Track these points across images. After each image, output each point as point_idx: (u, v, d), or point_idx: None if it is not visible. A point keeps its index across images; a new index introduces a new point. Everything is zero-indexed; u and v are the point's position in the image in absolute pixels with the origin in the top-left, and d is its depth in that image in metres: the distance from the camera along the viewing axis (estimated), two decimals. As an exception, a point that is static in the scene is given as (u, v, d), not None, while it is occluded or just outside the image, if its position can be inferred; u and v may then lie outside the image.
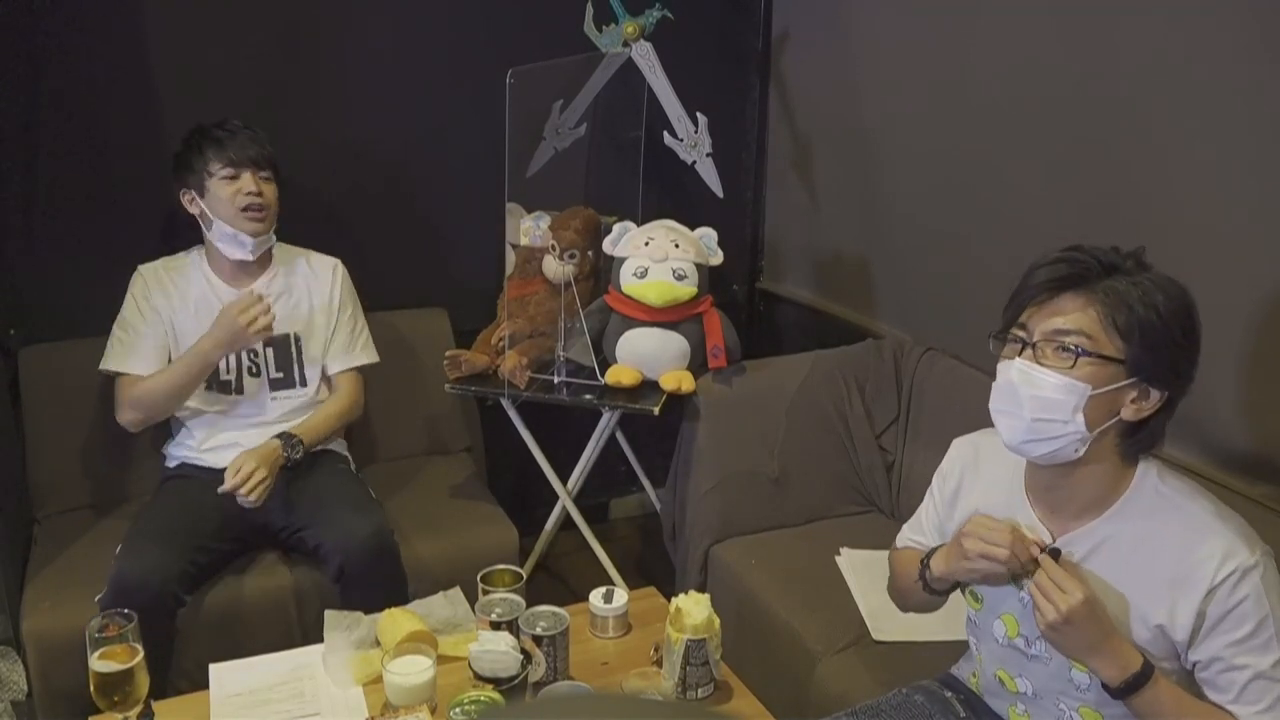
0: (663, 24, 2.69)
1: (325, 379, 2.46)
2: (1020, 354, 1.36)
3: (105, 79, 2.51)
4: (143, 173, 2.56)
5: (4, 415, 2.42)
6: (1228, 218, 1.90)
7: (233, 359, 2.33)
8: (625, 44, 2.70)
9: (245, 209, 2.26)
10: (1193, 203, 1.95)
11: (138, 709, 1.61)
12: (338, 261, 2.49)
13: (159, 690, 1.76)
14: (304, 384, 2.41)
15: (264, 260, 2.38)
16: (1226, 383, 1.94)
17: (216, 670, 1.78)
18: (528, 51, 2.54)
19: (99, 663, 1.57)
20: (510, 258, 2.71)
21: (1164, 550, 1.35)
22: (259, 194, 2.27)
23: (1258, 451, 1.91)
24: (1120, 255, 1.36)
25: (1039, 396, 1.33)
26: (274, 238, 2.38)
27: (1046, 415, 1.33)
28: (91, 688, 1.58)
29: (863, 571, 2.25)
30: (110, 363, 2.30)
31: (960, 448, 1.62)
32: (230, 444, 2.31)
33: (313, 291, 2.43)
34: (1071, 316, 1.33)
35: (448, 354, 2.58)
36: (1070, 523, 1.43)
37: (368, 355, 2.50)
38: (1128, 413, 1.34)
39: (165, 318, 2.33)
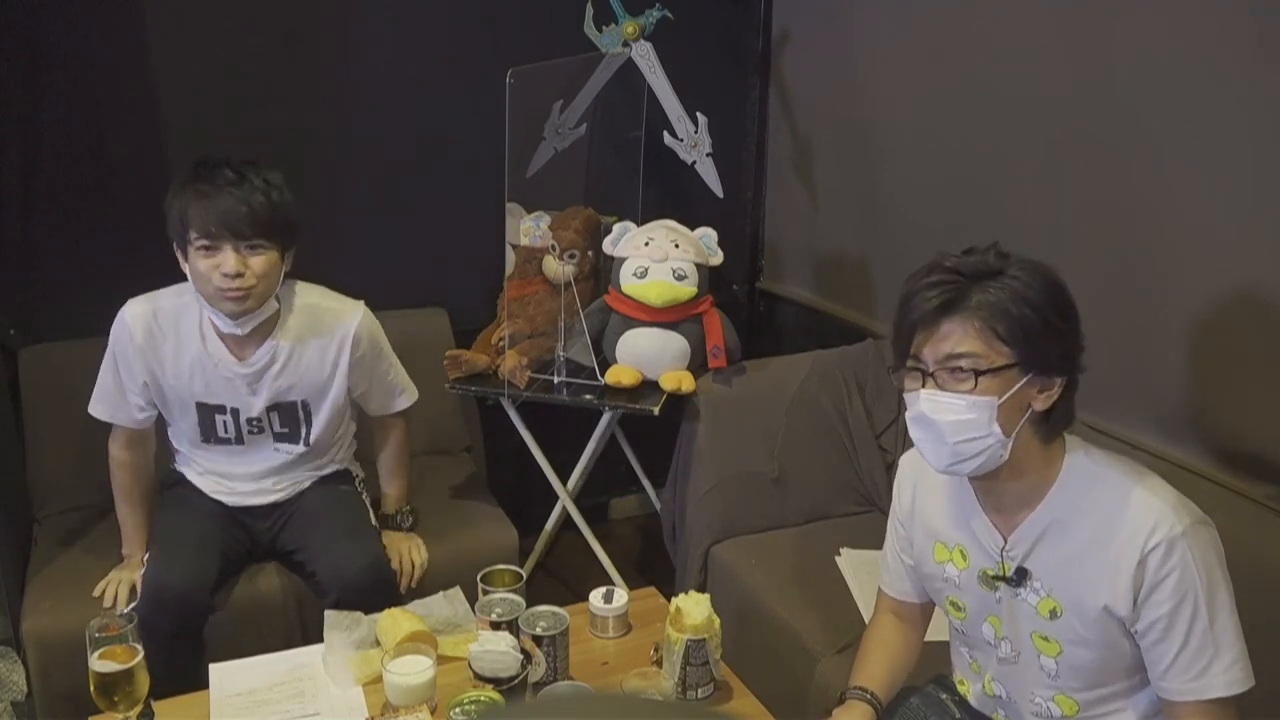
0: (663, 24, 2.69)
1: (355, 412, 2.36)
2: (923, 385, 1.39)
3: (105, 78, 2.51)
4: (143, 172, 2.56)
5: (4, 415, 2.42)
6: (1227, 216, 1.90)
7: (231, 424, 2.14)
8: (625, 44, 2.70)
9: (222, 290, 1.94)
10: (1193, 202, 1.95)
11: (138, 709, 1.61)
12: (358, 317, 2.16)
13: (184, 690, 1.75)
14: (308, 442, 2.21)
15: (268, 325, 2.08)
16: (1226, 383, 1.94)
17: (216, 670, 1.77)
18: (528, 51, 2.54)
19: (99, 663, 1.58)
20: (510, 258, 2.72)
21: (1099, 528, 1.38)
22: (238, 274, 1.93)
23: (1258, 451, 1.90)
24: (980, 254, 1.39)
25: (953, 421, 1.36)
26: (277, 302, 2.07)
27: (965, 435, 1.36)
28: (91, 688, 1.58)
29: (863, 571, 2.25)
30: (91, 403, 2.18)
31: (907, 463, 1.65)
32: (228, 491, 2.22)
33: (326, 359, 2.15)
34: (957, 339, 1.36)
35: (448, 354, 2.58)
36: (1017, 517, 1.45)
37: (408, 398, 2.34)
38: (1038, 403, 1.38)
39: (146, 372, 2.09)
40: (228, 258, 1.93)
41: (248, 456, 2.21)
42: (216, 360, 2.08)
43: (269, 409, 2.15)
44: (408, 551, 2.30)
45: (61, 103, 2.49)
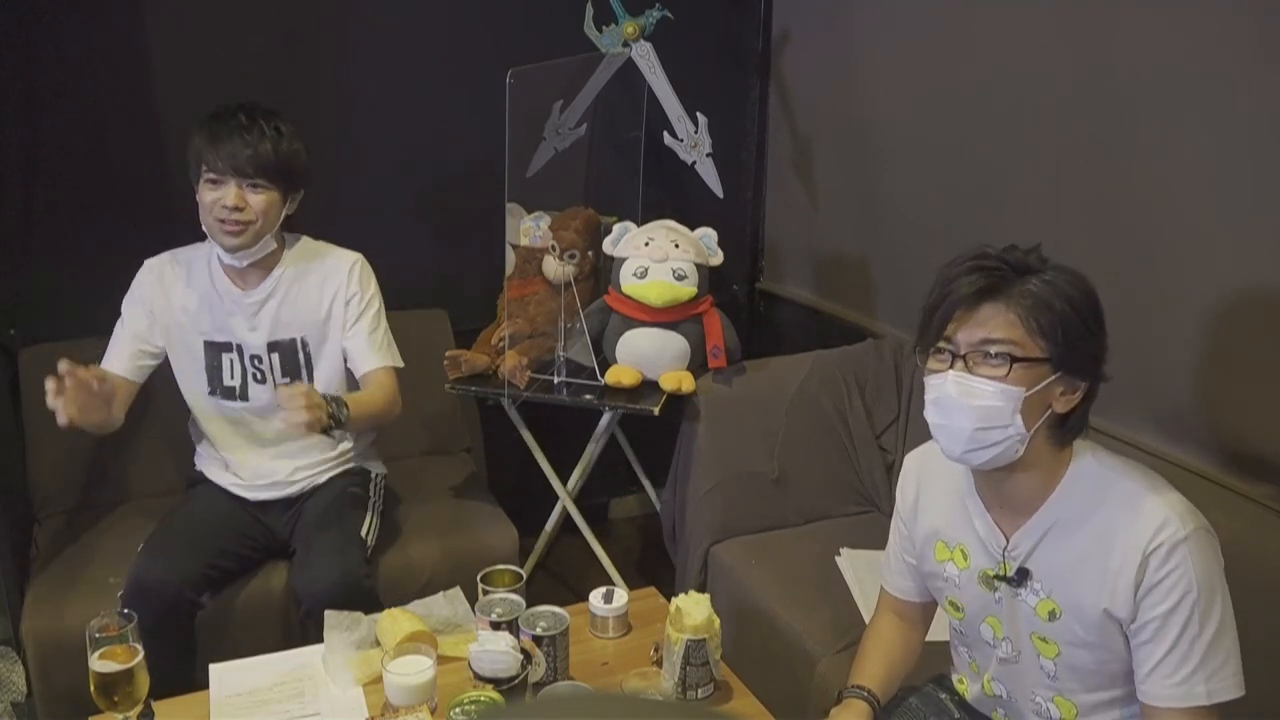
0: (663, 24, 2.70)
1: (351, 378, 2.33)
2: (951, 367, 1.39)
3: (105, 79, 2.52)
4: (143, 172, 2.57)
5: (4, 415, 2.42)
6: (1227, 216, 1.90)
7: (237, 365, 2.23)
8: (625, 44, 2.70)
9: (221, 221, 2.10)
10: (1193, 202, 1.95)
11: (138, 709, 1.61)
12: (357, 259, 2.30)
13: (181, 690, 1.75)
14: None
15: (271, 260, 2.22)
16: (1227, 384, 1.94)
17: (216, 670, 1.78)
18: (528, 51, 2.54)
19: (99, 663, 1.58)
20: (510, 258, 2.72)
21: (1104, 531, 1.38)
22: (238, 209, 2.09)
23: (1258, 451, 1.91)
24: (1023, 252, 1.40)
25: (979, 406, 1.36)
26: (274, 241, 2.19)
27: (987, 423, 1.36)
28: (91, 688, 1.58)
29: (863, 571, 2.25)
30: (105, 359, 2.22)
31: (912, 462, 1.65)
32: (246, 485, 2.27)
33: (324, 293, 2.25)
34: (996, 325, 1.36)
35: (448, 354, 2.58)
36: (1020, 517, 1.45)
37: (392, 357, 2.30)
38: (1059, 405, 1.39)
39: (155, 317, 2.22)
40: (229, 192, 2.09)
41: (257, 422, 2.24)
42: (222, 293, 2.22)
43: (270, 348, 2.23)
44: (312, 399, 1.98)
45: (61, 103, 2.50)
